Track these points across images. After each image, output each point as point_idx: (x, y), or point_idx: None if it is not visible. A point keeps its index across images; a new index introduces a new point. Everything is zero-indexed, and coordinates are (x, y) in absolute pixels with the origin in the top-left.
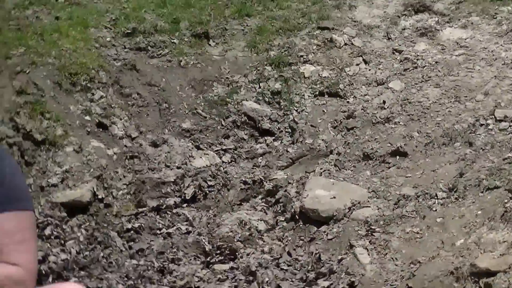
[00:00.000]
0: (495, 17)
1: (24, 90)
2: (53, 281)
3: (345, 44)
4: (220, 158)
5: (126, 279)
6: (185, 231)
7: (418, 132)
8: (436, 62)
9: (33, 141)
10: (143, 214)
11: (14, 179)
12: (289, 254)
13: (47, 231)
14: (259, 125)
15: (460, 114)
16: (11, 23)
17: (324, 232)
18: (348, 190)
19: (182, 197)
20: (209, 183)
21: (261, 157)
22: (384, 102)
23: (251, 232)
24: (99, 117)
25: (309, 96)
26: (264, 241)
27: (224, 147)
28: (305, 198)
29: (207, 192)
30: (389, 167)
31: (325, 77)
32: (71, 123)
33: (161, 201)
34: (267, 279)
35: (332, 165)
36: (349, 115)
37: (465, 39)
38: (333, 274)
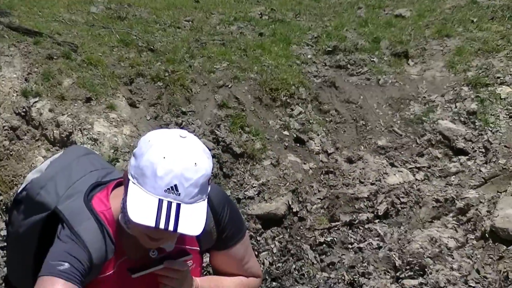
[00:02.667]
0: None
1: (225, 103)
2: None
3: None
4: (414, 175)
5: None
6: (376, 246)
7: None
8: None
9: (232, 154)
10: (336, 228)
11: (237, 213)
12: (477, 271)
13: None
14: (454, 144)
15: None
16: (215, 38)
17: None
18: None
19: (375, 213)
20: (402, 200)
21: (454, 176)
22: None
23: (441, 249)
24: (297, 132)
25: (504, 117)
26: (453, 258)
27: (418, 165)
28: (496, 217)
29: (399, 208)
30: None
31: None
32: (269, 137)
33: (354, 216)
34: None
35: None
36: None
37: None
38: None
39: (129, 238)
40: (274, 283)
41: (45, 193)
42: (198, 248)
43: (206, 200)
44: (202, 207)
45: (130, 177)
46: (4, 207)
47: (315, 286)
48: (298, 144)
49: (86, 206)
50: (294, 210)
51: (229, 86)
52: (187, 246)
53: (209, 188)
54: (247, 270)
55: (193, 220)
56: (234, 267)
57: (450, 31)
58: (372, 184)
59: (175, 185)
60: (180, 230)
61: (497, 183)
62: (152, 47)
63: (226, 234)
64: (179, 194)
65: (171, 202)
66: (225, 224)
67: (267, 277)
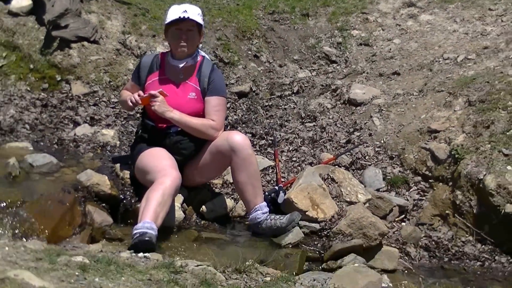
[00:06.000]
0: (446, 10)
1: (220, 38)
2: (230, 129)
3: (373, 21)
4: (311, 73)
5: (264, 129)
6: (293, 107)
7: (405, 64)
8: (416, 31)
9: (224, 62)
10: (273, 98)
11: (219, 81)
12: (341, 119)
13: (228, 105)
14: (330, 58)
15: (426, 56)
16: (215, 6)
17: (358, 109)
18: (371, 90)
19: (291, 91)
20: (305, 85)
21: (330, 73)
22: (390, 49)
23: (324, 108)
24: (255, 52)
25: (354, 44)
26: (330, 113)
27: (313, 68)
28: (350, 93)
29: (304, 89)
30: (391, 80)
31: (363, 36)
32: (241, 54)
33: (282, 93)
34: (331, 131)
35: (364, 78)
36: (373, 54)
37: (431, 20)
38: (362, 129)
39: (171, 68)
40: (243, 125)
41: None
42: (198, 87)
43: (202, 23)
44: (200, 19)
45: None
46: (113, 88)
47: (263, 126)
48: (255, 58)
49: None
50: (253, 89)
51: (222, 30)
52: (191, 83)
53: (201, 21)
54: (215, 114)
55: (196, 18)
56: (209, 108)
57: (329, 3)
58: (290, 77)
59: (185, 10)
60: (190, 16)
61: (350, 77)
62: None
63: (211, 86)
64: (186, 12)
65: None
66: (212, 81)
67: (240, 122)
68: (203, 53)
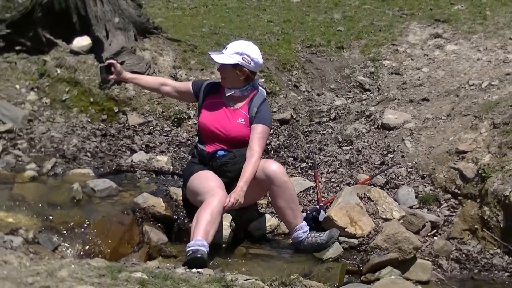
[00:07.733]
0: (470, 40)
1: (263, 70)
2: (273, 153)
3: (403, 52)
4: (346, 100)
5: (305, 152)
6: (331, 132)
7: (434, 90)
8: (443, 60)
9: (267, 93)
10: (312, 124)
11: (266, 112)
12: (375, 143)
13: (271, 132)
14: (364, 86)
15: (453, 83)
16: (258, 41)
17: (391, 133)
18: (402, 115)
19: (329, 117)
20: (341, 111)
21: (364, 101)
22: (419, 77)
23: (359, 133)
24: (294, 82)
25: (386, 73)
26: (365, 137)
27: (348, 96)
28: (383, 118)
29: (340, 115)
30: (421, 106)
31: (393, 65)
32: (282, 85)
33: (320, 119)
34: (366, 153)
35: (395, 104)
36: (404, 82)
37: (457, 50)
38: (394, 151)
39: (225, 94)
40: (285, 149)
41: None
42: (247, 114)
43: (233, 62)
44: (229, 59)
45: None
46: (165, 118)
47: (303, 150)
48: (295, 88)
49: None
50: (294, 117)
51: (264, 63)
52: (242, 110)
53: (240, 61)
54: (259, 140)
55: (222, 59)
56: (254, 134)
57: (361, 36)
58: (328, 105)
59: (226, 47)
60: (213, 57)
61: (383, 103)
62: None
63: (258, 115)
64: (226, 49)
65: (220, 52)
66: (260, 111)
67: (282, 147)
68: (261, 88)
